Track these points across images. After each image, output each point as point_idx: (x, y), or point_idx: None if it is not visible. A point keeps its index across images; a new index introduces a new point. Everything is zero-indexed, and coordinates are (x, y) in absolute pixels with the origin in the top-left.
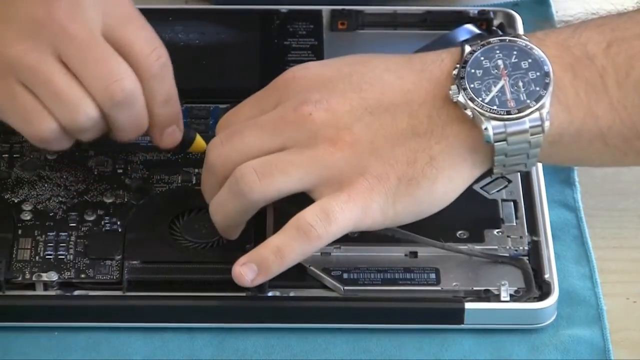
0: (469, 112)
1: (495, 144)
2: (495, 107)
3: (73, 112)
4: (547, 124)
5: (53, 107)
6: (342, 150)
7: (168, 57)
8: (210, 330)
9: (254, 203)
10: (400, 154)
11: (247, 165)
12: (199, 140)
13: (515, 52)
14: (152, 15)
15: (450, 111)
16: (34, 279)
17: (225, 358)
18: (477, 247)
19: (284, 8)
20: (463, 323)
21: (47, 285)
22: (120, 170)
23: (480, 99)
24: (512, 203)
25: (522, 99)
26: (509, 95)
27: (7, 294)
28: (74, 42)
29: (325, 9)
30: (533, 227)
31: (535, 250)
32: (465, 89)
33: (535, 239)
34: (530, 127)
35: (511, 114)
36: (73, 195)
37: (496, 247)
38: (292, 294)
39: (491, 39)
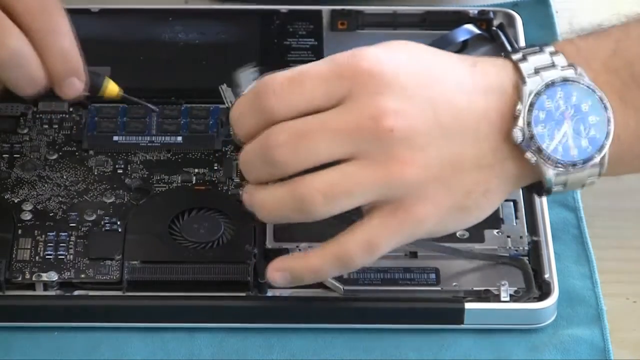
0: (532, 159)
1: (554, 186)
2: (558, 157)
3: None
4: (605, 167)
5: None
6: (412, 173)
7: (60, 12)
8: (210, 330)
9: (313, 219)
10: (461, 185)
11: (312, 184)
12: (111, 86)
13: (575, 93)
14: (152, 15)
15: (512, 148)
16: (34, 279)
17: (225, 358)
18: (477, 247)
19: (284, 8)
20: (463, 323)
21: (47, 286)
22: (120, 170)
23: (545, 145)
24: (512, 203)
25: (584, 146)
26: (571, 143)
27: (7, 294)
28: None
29: (325, 9)
30: (533, 227)
31: (535, 250)
32: (532, 138)
33: (535, 239)
34: (590, 171)
35: (576, 166)
36: (73, 195)
37: (496, 247)
38: (292, 294)
39: (554, 78)
